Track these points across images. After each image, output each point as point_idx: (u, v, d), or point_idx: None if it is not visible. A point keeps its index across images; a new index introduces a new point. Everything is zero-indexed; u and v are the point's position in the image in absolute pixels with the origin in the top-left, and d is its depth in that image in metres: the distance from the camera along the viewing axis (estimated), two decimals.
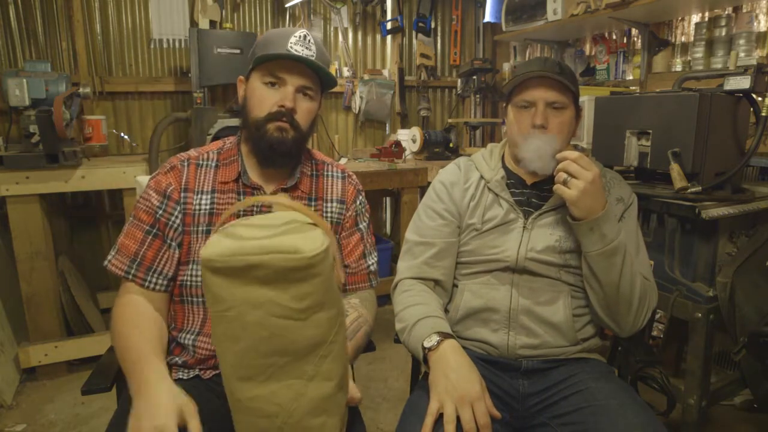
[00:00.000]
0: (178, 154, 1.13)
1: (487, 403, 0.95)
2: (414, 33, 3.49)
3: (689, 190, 1.49)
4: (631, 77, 2.67)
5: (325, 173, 1.18)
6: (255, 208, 1.08)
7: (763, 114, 1.49)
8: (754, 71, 1.46)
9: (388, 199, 3.60)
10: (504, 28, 3.09)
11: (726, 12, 2.26)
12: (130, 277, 1.02)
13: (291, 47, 1.01)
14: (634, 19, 2.48)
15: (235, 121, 2.57)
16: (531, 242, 1.14)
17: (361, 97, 3.33)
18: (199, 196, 1.07)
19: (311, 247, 0.64)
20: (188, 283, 1.06)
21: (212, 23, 2.78)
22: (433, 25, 3.51)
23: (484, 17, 3.52)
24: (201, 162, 1.10)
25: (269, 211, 1.09)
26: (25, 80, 2.00)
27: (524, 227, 1.16)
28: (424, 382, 1.11)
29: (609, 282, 1.07)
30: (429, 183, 1.31)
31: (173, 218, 1.05)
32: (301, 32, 1.04)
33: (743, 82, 1.48)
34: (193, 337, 1.06)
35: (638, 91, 2.50)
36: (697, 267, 1.57)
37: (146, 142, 2.76)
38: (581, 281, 1.15)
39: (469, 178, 1.24)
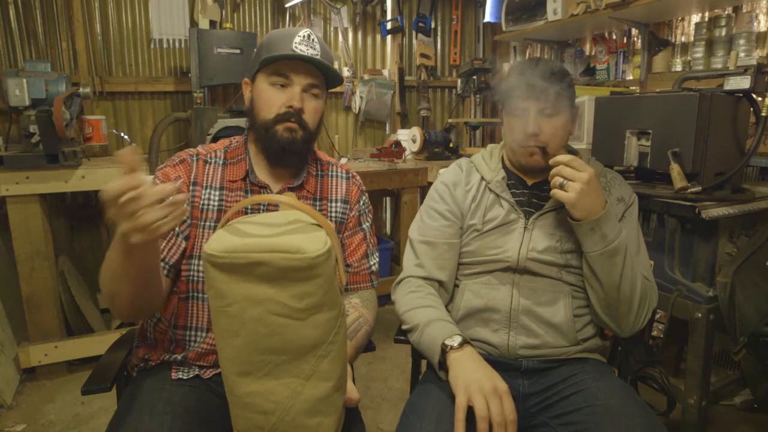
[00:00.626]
0: (186, 149, 1.13)
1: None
2: (414, 33, 3.49)
3: (689, 190, 1.49)
4: (631, 77, 2.67)
5: (330, 173, 1.19)
6: (260, 207, 1.08)
7: (763, 114, 1.49)
8: (754, 71, 1.46)
9: (388, 199, 3.60)
10: (504, 28, 3.09)
11: (726, 12, 2.26)
12: None
13: (296, 47, 1.01)
14: (634, 19, 2.49)
15: (235, 121, 2.57)
16: (532, 242, 1.14)
17: (361, 97, 3.33)
18: (208, 191, 1.08)
19: (314, 247, 0.65)
20: (194, 278, 1.06)
21: (212, 23, 2.78)
22: (433, 25, 3.51)
23: (484, 17, 3.52)
24: (209, 159, 1.11)
25: (275, 210, 1.10)
26: (25, 80, 2.00)
27: (525, 227, 1.16)
28: (425, 382, 1.11)
29: (610, 282, 1.07)
30: (429, 183, 1.31)
31: None
32: (304, 32, 1.04)
33: (743, 82, 1.48)
34: (199, 334, 1.06)
35: (638, 91, 2.50)
36: (697, 267, 1.57)
37: (146, 142, 2.76)
38: (582, 281, 1.15)
39: (471, 179, 1.24)
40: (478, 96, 3.48)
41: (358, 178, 1.22)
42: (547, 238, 1.14)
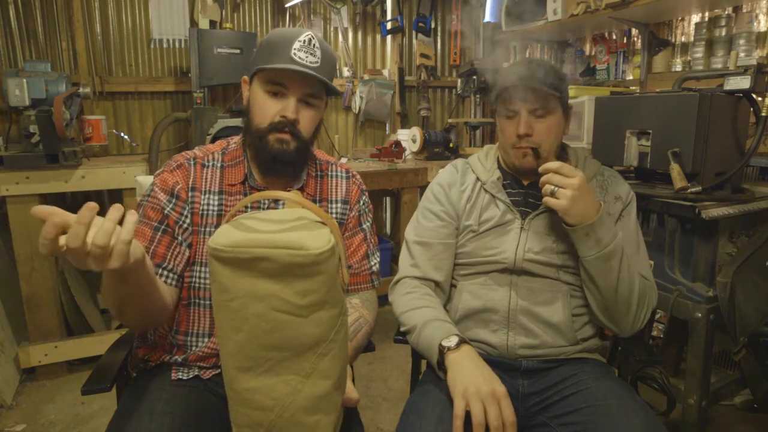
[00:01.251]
0: (183, 152, 1.11)
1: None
2: (414, 33, 3.49)
3: (689, 190, 1.49)
4: (631, 77, 2.67)
5: (330, 173, 1.18)
6: (260, 205, 1.08)
7: (763, 114, 1.49)
8: (754, 71, 1.46)
9: (388, 199, 3.60)
10: (504, 28, 3.09)
11: (726, 12, 2.26)
12: None
13: (294, 54, 0.98)
14: (634, 19, 2.48)
15: (235, 121, 2.57)
16: (529, 243, 1.14)
17: (361, 97, 3.33)
18: (207, 196, 1.06)
19: (318, 244, 0.65)
20: (196, 284, 1.05)
21: (212, 23, 2.78)
22: (433, 25, 3.51)
23: (484, 17, 3.52)
24: (207, 162, 1.09)
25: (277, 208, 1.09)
26: (25, 80, 2.00)
27: (521, 228, 1.16)
28: (424, 382, 1.11)
29: (607, 285, 1.07)
30: (429, 183, 1.31)
31: (183, 217, 1.04)
32: (305, 36, 1.00)
33: (743, 82, 1.48)
34: (201, 339, 1.06)
35: (638, 91, 2.50)
36: (697, 267, 1.57)
37: (146, 142, 2.76)
38: (580, 280, 1.15)
39: (466, 180, 1.24)
40: (478, 96, 3.48)
41: (358, 177, 1.21)
42: (543, 239, 1.14)
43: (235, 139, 1.13)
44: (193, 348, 1.06)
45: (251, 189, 1.08)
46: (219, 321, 0.69)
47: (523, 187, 1.21)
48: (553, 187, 1.03)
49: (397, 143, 2.95)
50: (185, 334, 1.06)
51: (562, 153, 1.24)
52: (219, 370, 1.06)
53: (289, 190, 1.10)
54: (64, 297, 2.32)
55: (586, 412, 1.01)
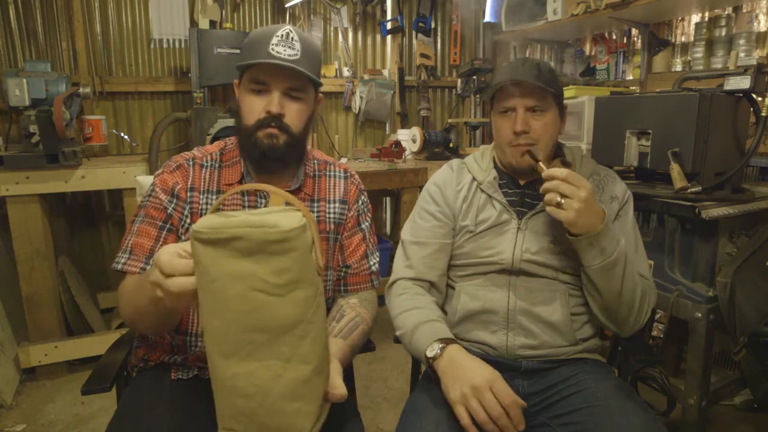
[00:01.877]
0: (182, 153, 1.12)
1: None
2: (414, 33, 3.48)
3: (689, 190, 1.49)
4: (631, 77, 2.67)
5: (328, 173, 1.18)
6: (260, 204, 1.08)
7: (763, 114, 1.49)
8: (754, 71, 1.46)
9: (388, 199, 3.60)
10: (504, 28, 3.09)
11: (726, 12, 2.26)
12: (148, 269, 1.00)
13: (272, 49, 0.98)
14: (634, 19, 2.48)
15: (234, 121, 2.56)
16: (526, 243, 1.14)
17: (361, 97, 3.33)
18: (206, 195, 1.07)
19: (288, 223, 0.69)
20: None
21: (212, 23, 2.78)
22: (433, 25, 3.51)
23: (484, 17, 3.52)
24: (205, 163, 1.09)
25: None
26: (25, 80, 2.00)
27: (518, 228, 1.16)
28: (425, 382, 1.11)
29: (610, 290, 1.06)
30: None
31: (184, 217, 1.05)
32: (283, 30, 1.00)
33: (743, 82, 1.48)
34: (200, 340, 1.06)
35: (638, 91, 2.50)
36: (697, 267, 1.57)
37: (146, 142, 2.76)
38: (579, 280, 1.15)
39: (462, 180, 1.24)
40: (478, 96, 3.48)
41: (356, 177, 1.21)
42: (540, 239, 1.14)
43: (233, 140, 1.14)
44: (193, 348, 1.06)
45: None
46: (202, 306, 0.71)
47: (519, 187, 1.21)
48: (558, 198, 1.00)
49: (397, 143, 2.95)
50: (185, 334, 1.06)
51: (558, 152, 1.24)
52: None
53: (286, 190, 1.09)
54: (64, 297, 2.32)
55: (586, 412, 1.01)
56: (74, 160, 2.12)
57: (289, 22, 3.13)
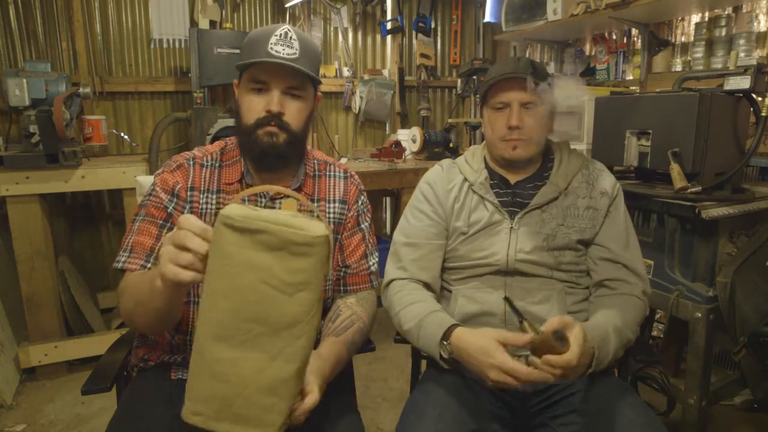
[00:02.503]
0: (183, 152, 1.12)
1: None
2: (414, 33, 3.48)
3: (689, 190, 1.49)
4: (631, 77, 2.67)
5: (328, 173, 1.18)
6: (260, 203, 1.08)
7: (763, 114, 1.49)
8: (754, 71, 1.46)
9: (388, 199, 3.60)
10: (504, 28, 3.09)
11: (726, 12, 2.26)
12: (149, 266, 1.00)
13: (271, 48, 0.98)
14: (634, 19, 2.48)
15: (234, 121, 2.56)
16: (519, 243, 1.14)
17: (361, 97, 3.33)
18: (206, 195, 1.07)
19: (316, 229, 0.72)
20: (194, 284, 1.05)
21: (212, 23, 2.78)
22: (433, 25, 3.51)
23: (484, 17, 3.52)
24: (205, 162, 1.10)
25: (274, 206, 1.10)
26: (25, 80, 2.00)
27: (511, 228, 1.16)
28: (424, 382, 1.11)
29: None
30: None
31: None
32: (282, 30, 1.01)
33: (743, 82, 1.48)
34: None
35: (638, 91, 2.50)
36: (697, 267, 1.57)
37: (146, 142, 2.76)
38: (575, 277, 1.15)
39: (452, 179, 1.24)
40: (478, 96, 3.48)
41: (356, 177, 1.21)
42: (533, 238, 1.14)
43: (233, 140, 1.14)
44: (191, 348, 1.06)
45: (247, 187, 1.08)
46: (209, 287, 0.72)
47: (510, 187, 1.21)
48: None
49: (397, 143, 2.95)
50: (184, 333, 1.06)
51: (546, 148, 1.26)
52: None
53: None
54: (64, 297, 2.32)
55: (585, 412, 1.01)
56: (74, 160, 2.12)
57: (289, 22, 3.13)
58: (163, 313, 0.87)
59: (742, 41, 2.11)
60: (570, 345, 0.88)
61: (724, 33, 2.18)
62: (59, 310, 2.26)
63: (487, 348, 0.93)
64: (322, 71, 3.19)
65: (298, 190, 1.11)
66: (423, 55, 3.50)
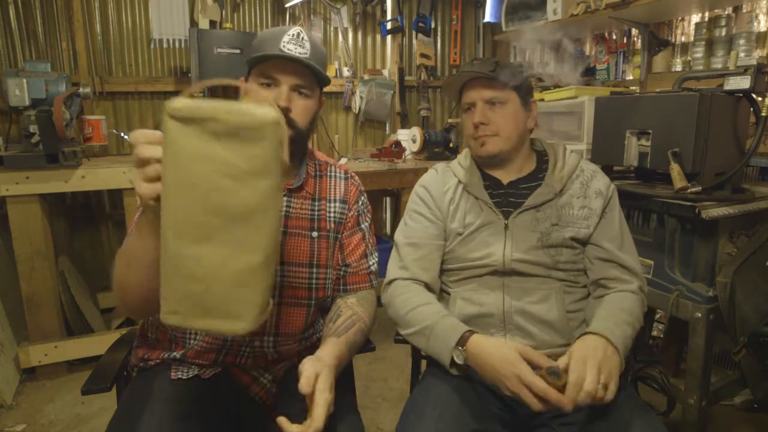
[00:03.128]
0: None
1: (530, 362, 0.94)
2: (414, 33, 3.48)
3: (689, 190, 1.49)
4: (631, 77, 2.67)
5: (329, 174, 1.19)
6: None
7: (763, 114, 1.49)
8: (754, 71, 1.46)
9: (388, 199, 3.60)
10: (504, 28, 3.09)
11: (726, 12, 2.26)
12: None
13: (284, 46, 1.01)
14: (634, 19, 2.49)
15: None
16: (514, 243, 1.15)
17: (361, 97, 3.33)
18: None
19: (265, 112, 0.70)
20: None
21: (212, 23, 2.78)
22: (433, 25, 3.51)
23: (484, 17, 3.52)
24: None
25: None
26: (25, 80, 2.00)
27: (506, 228, 1.17)
28: (424, 382, 1.11)
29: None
30: None
31: None
32: (294, 30, 1.03)
33: (743, 82, 1.48)
34: (196, 333, 1.06)
35: (638, 91, 2.50)
36: (697, 267, 1.57)
37: None
38: (573, 275, 1.15)
39: (447, 182, 1.26)
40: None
41: (356, 178, 1.23)
42: (528, 237, 1.15)
43: None
44: (190, 341, 1.06)
45: None
46: (166, 185, 0.71)
47: (502, 187, 1.22)
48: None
49: (397, 143, 2.95)
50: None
51: (535, 148, 1.28)
52: (219, 369, 1.07)
53: (285, 189, 1.11)
54: (64, 297, 2.32)
55: (586, 413, 1.01)
56: (74, 160, 2.12)
57: (289, 22, 3.13)
58: (154, 268, 0.83)
59: (742, 41, 2.12)
60: (566, 377, 0.92)
61: (724, 33, 2.18)
62: (59, 310, 2.26)
63: (510, 357, 0.94)
64: None
65: (300, 188, 1.12)
66: (423, 55, 3.50)
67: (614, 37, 2.81)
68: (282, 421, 0.86)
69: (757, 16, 2.16)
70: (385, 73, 3.43)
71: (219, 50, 2.59)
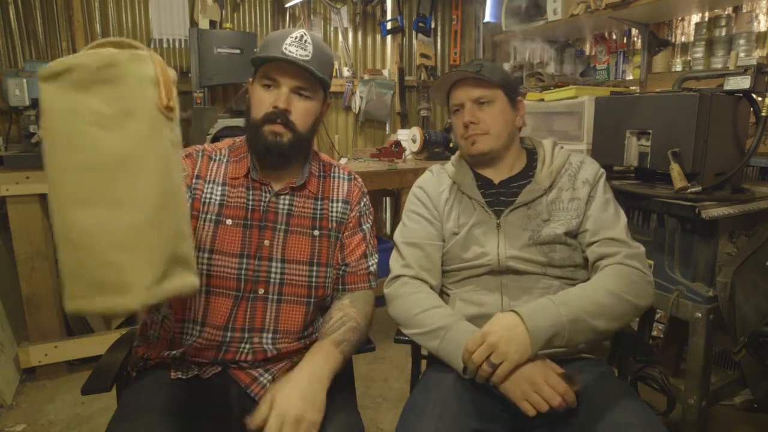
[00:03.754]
0: (193, 145, 1.16)
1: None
2: (414, 33, 3.48)
3: (689, 190, 1.49)
4: (631, 77, 2.67)
5: (332, 174, 1.21)
6: (264, 198, 1.10)
7: (763, 114, 1.49)
8: (754, 71, 1.46)
9: (388, 199, 3.60)
10: (504, 28, 3.09)
11: (726, 12, 2.26)
12: None
13: (285, 48, 1.03)
14: (634, 19, 2.48)
15: (235, 121, 2.57)
16: (507, 241, 1.16)
17: (361, 97, 3.33)
18: (211, 185, 1.10)
19: (121, 50, 0.66)
20: None
21: (212, 23, 2.78)
22: (433, 25, 3.51)
23: (484, 17, 3.52)
24: (214, 156, 1.14)
25: (275, 204, 1.09)
26: (25, 80, 2.00)
27: (498, 227, 1.17)
28: (424, 382, 1.11)
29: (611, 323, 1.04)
30: None
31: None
32: (298, 33, 1.05)
33: (743, 82, 1.48)
34: (195, 327, 1.07)
35: (638, 91, 2.50)
36: (697, 267, 1.57)
37: None
38: (570, 272, 1.16)
39: (442, 183, 1.28)
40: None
41: (359, 180, 1.24)
42: (520, 234, 1.16)
43: (241, 138, 1.17)
44: (190, 339, 1.07)
45: (253, 182, 1.11)
46: (45, 150, 0.67)
47: (494, 187, 1.24)
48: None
49: (397, 143, 2.95)
50: (182, 321, 1.07)
51: (525, 146, 1.29)
52: (219, 369, 1.07)
53: (288, 188, 1.12)
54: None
55: (585, 413, 1.01)
56: None
57: (289, 22, 3.13)
58: None
59: (742, 41, 2.11)
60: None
61: (724, 33, 2.18)
62: (59, 310, 2.26)
63: (544, 370, 0.96)
64: None
65: (302, 187, 1.14)
66: (423, 55, 3.50)
67: (614, 37, 2.81)
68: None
69: (757, 16, 2.16)
70: (385, 73, 3.43)
71: (219, 50, 2.59)
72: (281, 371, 1.12)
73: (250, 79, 1.12)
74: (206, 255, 1.06)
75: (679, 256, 1.61)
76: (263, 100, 1.05)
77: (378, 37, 3.44)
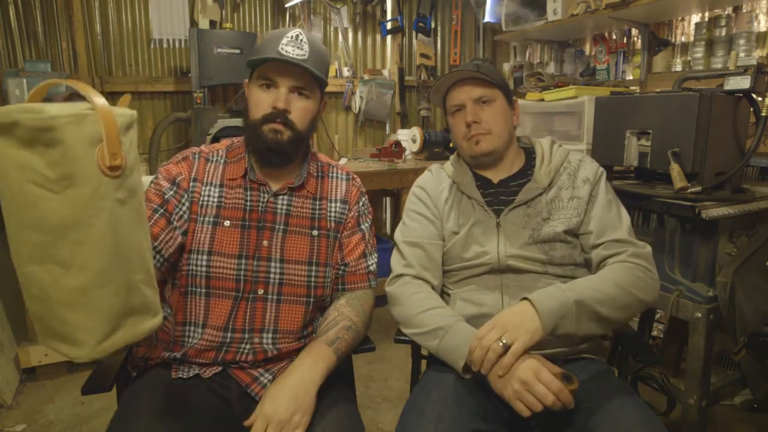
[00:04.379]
0: (191, 147, 1.16)
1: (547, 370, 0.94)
2: (414, 33, 3.49)
3: (689, 190, 1.49)
4: (631, 77, 2.67)
5: (331, 175, 1.21)
6: (262, 199, 1.10)
7: (763, 114, 1.49)
8: (754, 71, 1.46)
9: (388, 199, 3.60)
10: (504, 28, 3.09)
11: (726, 12, 2.26)
12: None
13: (282, 48, 1.03)
14: (634, 19, 2.49)
15: (235, 121, 2.57)
16: (507, 240, 1.16)
17: (361, 97, 3.33)
18: (208, 187, 1.10)
19: (57, 110, 0.63)
20: (193, 272, 1.07)
21: (212, 23, 2.78)
22: (433, 25, 3.51)
23: (484, 17, 3.52)
24: (211, 158, 1.14)
25: (274, 206, 1.09)
26: (25, 80, 2.01)
27: (497, 225, 1.17)
28: (424, 381, 1.11)
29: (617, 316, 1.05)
30: None
31: (181, 205, 1.07)
32: (294, 32, 1.05)
33: (743, 82, 1.48)
34: (196, 330, 1.07)
35: (638, 91, 2.50)
36: (697, 267, 1.57)
37: (146, 142, 2.76)
38: (570, 270, 1.16)
39: (441, 182, 1.28)
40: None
41: (358, 180, 1.24)
42: (520, 233, 1.16)
43: (239, 139, 1.17)
44: (191, 340, 1.07)
45: (251, 182, 1.11)
46: (2, 205, 0.67)
47: (493, 186, 1.24)
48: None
49: (397, 143, 2.95)
50: (183, 324, 1.07)
51: (522, 145, 1.30)
52: (219, 369, 1.07)
53: (286, 188, 1.13)
54: None
55: (585, 413, 1.01)
56: None
57: (289, 22, 3.13)
58: None
59: (742, 41, 2.12)
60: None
61: (724, 33, 2.18)
62: None
63: (536, 368, 0.95)
64: None
65: (301, 187, 1.14)
66: (423, 55, 3.50)
67: (614, 37, 2.81)
68: None
69: (757, 16, 2.16)
70: (385, 73, 3.43)
71: (219, 50, 2.59)
72: (282, 371, 1.12)
73: (247, 81, 1.13)
74: (205, 257, 1.06)
75: (679, 256, 1.61)
76: (262, 100, 1.06)
77: (378, 37, 3.44)
